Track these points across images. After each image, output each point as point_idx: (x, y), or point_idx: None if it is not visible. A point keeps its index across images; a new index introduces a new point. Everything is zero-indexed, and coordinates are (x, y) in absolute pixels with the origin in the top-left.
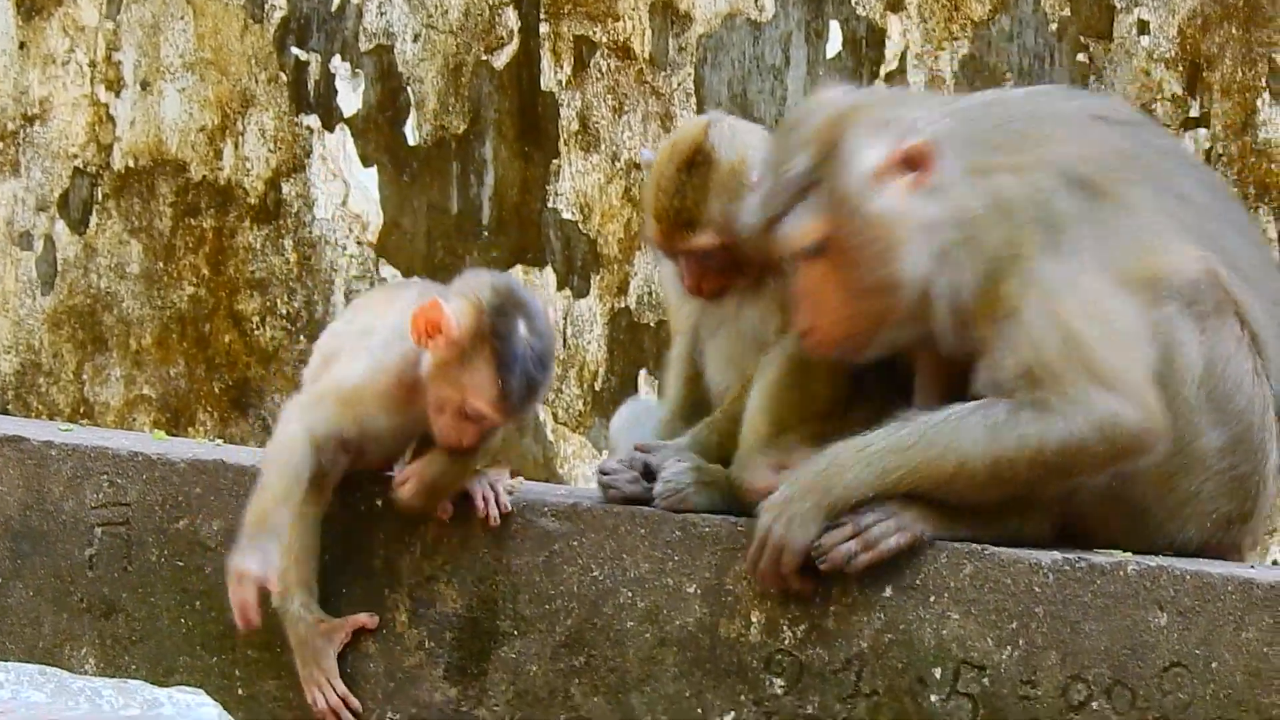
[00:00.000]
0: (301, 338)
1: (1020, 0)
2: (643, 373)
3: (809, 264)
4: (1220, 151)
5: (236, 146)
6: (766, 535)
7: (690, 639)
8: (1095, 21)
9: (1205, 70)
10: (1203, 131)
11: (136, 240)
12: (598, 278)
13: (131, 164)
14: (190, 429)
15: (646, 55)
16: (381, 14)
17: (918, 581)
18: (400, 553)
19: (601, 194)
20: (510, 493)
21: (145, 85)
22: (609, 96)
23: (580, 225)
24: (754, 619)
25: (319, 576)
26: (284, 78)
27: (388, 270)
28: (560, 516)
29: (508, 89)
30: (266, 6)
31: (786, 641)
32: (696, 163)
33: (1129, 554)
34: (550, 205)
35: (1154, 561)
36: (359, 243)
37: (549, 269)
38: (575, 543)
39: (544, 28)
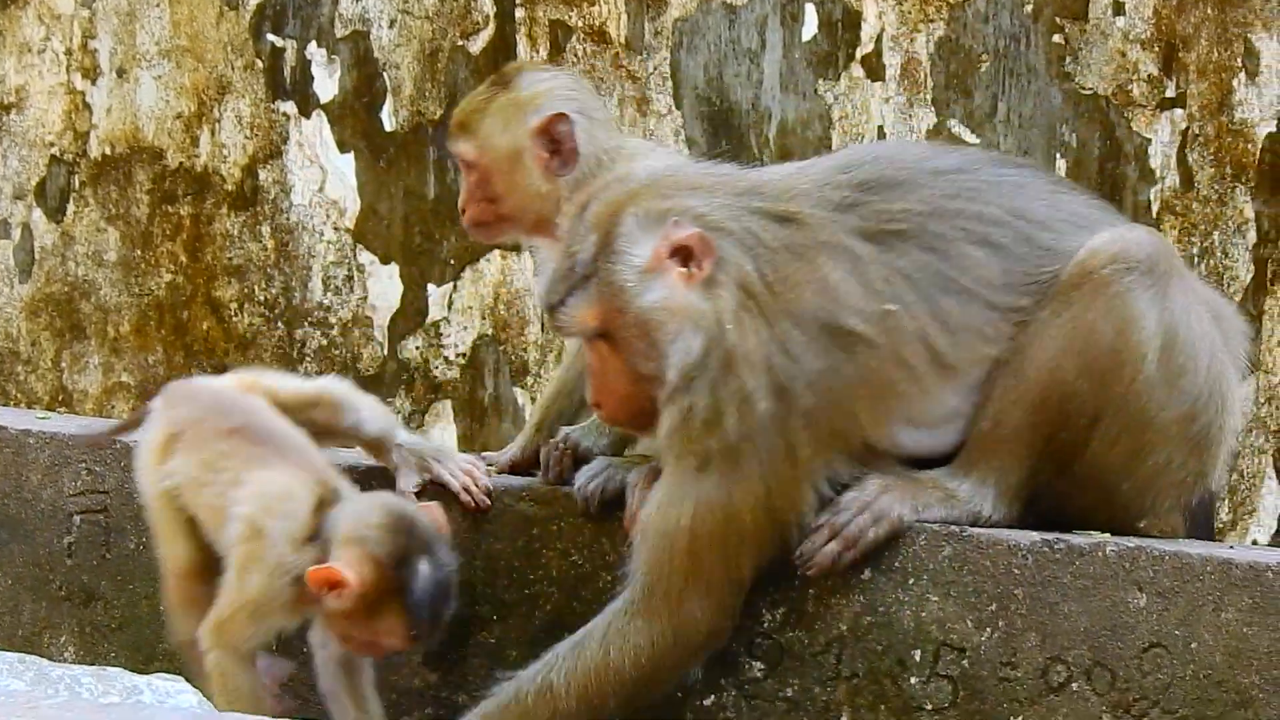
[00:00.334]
0: (279, 324)
1: None
2: None
3: (592, 344)
4: (1196, 132)
5: (213, 133)
6: None
7: None
8: (1070, 2)
9: (1181, 51)
10: (1179, 112)
11: (114, 228)
12: None
13: (108, 151)
14: None
15: (622, 39)
16: (357, 0)
17: (897, 564)
18: None
19: None
20: (486, 474)
21: (121, 73)
22: (585, 81)
23: None
24: None
25: None
26: (260, 64)
27: (365, 256)
28: (539, 501)
29: (484, 74)
30: None
31: (766, 625)
32: (495, 81)
33: (1107, 535)
34: None
35: (1132, 542)
36: (336, 229)
37: (526, 253)
38: (554, 527)
39: (519, 12)
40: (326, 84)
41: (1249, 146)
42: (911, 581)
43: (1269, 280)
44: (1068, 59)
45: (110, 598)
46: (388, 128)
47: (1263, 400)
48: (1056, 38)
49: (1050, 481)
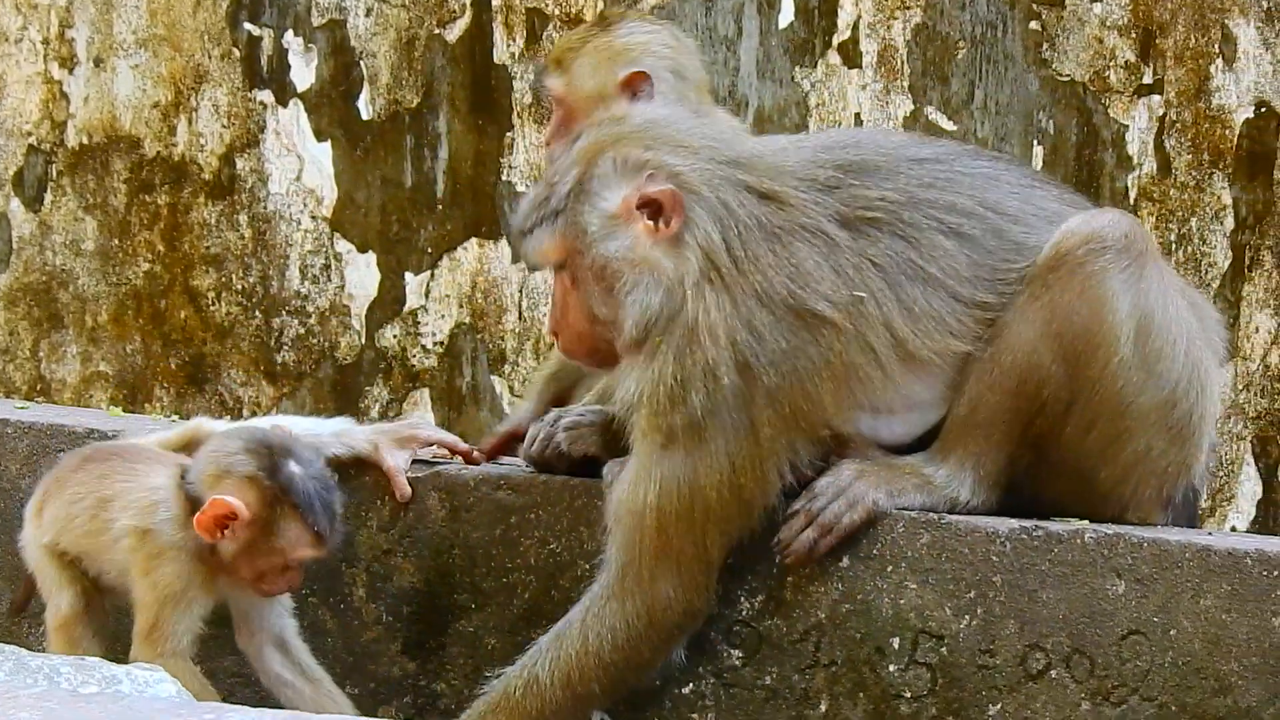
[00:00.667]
0: (257, 313)
1: None
2: None
3: (557, 275)
4: (1174, 118)
5: (190, 122)
6: None
7: None
8: None
9: (1158, 37)
10: (1156, 98)
11: (91, 217)
12: None
13: (86, 141)
14: (147, 405)
15: None
16: None
17: (875, 552)
18: (357, 527)
19: None
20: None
21: (99, 62)
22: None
23: None
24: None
25: None
26: (237, 53)
27: (342, 244)
28: (517, 489)
29: (460, 62)
30: None
31: (744, 613)
32: (599, 22)
33: (1086, 522)
34: (504, 178)
35: (1111, 529)
36: (314, 217)
37: (504, 242)
38: (532, 516)
39: (495, 1)
40: (303, 73)
41: (1226, 132)
42: (890, 569)
43: (1246, 266)
44: (1045, 46)
45: None
46: (365, 116)
47: (1240, 387)
48: (1034, 24)
49: (1029, 468)
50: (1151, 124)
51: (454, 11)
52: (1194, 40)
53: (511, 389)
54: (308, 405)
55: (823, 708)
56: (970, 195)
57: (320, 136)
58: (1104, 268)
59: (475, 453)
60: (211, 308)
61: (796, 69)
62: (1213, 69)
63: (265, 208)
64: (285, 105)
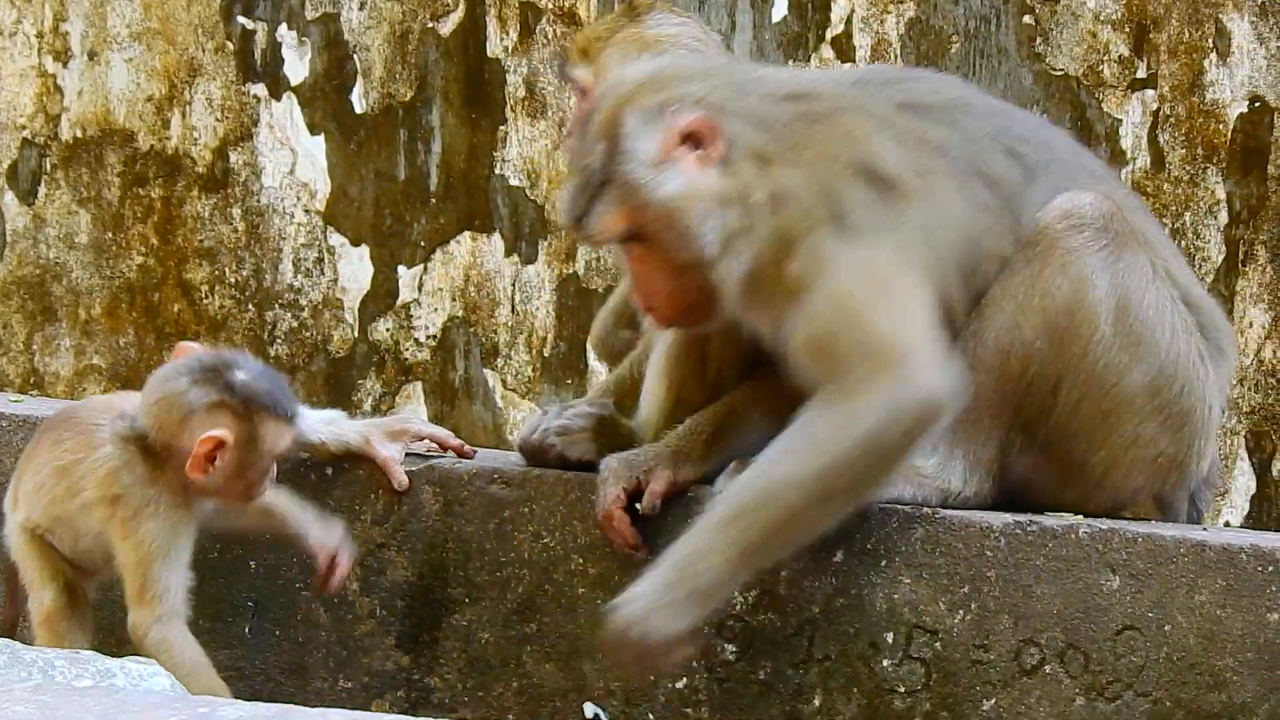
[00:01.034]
0: (250, 306)
1: None
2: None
3: (626, 248)
4: (1168, 113)
5: (184, 116)
6: (626, 633)
7: None
8: None
9: (1152, 31)
10: (1150, 93)
11: (85, 210)
12: (545, 244)
13: (79, 134)
14: None
15: (592, 21)
16: None
17: (869, 546)
18: (350, 521)
19: (549, 160)
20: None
21: (92, 55)
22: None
23: (528, 191)
24: None
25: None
26: (230, 47)
27: (336, 238)
28: (510, 483)
29: (454, 56)
30: None
31: (738, 607)
32: (624, 11)
33: (1080, 517)
34: (498, 172)
35: (1106, 524)
36: (307, 211)
37: (496, 235)
38: (526, 509)
39: None
40: (297, 66)
41: (1220, 127)
42: (884, 564)
43: (1240, 261)
44: (1038, 40)
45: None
46: (358, 110)
47: (1235, 381)
48: (1027, 19)
49: (1020, 455)
50: (1145, 118)
51: (447, 5)
52: (1188, 34)
53: (504, 383)
54: (301, 398)
55: (816, 702)
56: (1026, 125)
57: (314, 130)
58: (1083, 245)
59: (466, 447)
60: (205, 301)
61: (790, 63)
62: (1207, 63)
63: (258, 201)
64: (279, 99)
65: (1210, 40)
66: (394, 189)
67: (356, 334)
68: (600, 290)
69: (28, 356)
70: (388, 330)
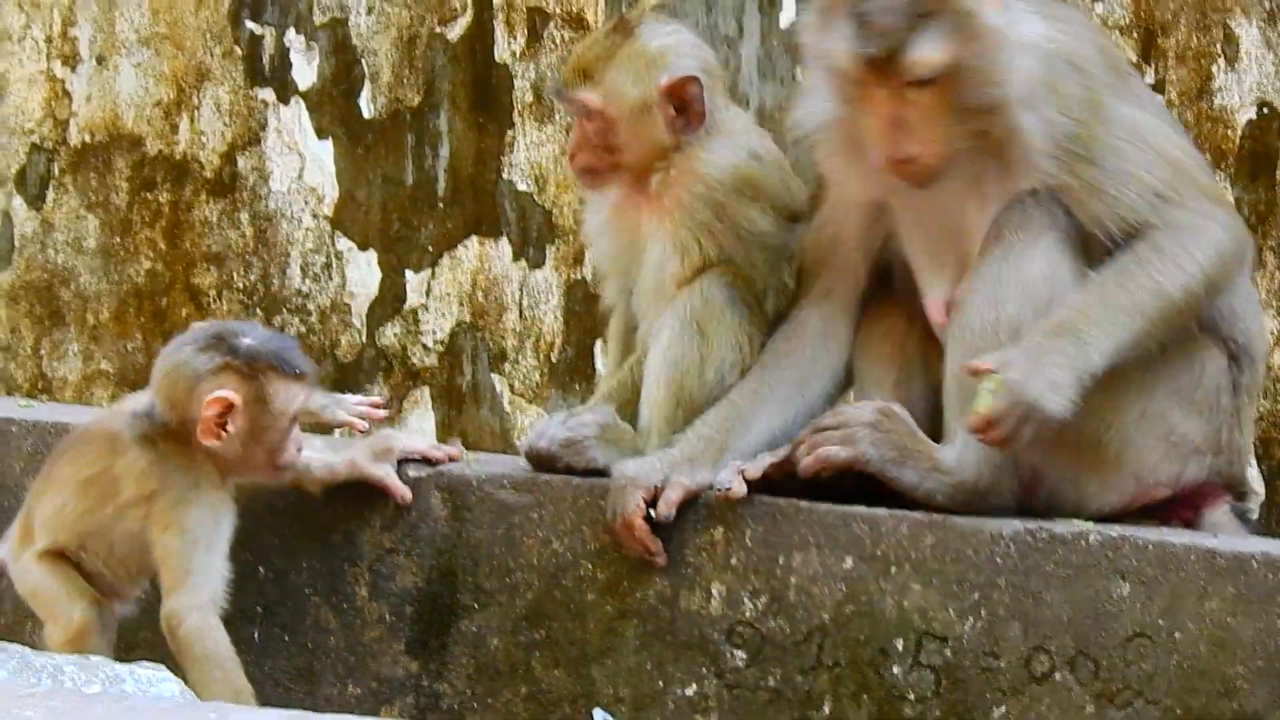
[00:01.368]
0: (258, 311)
1: None
2: (599, 344)
3: (917, 91)
4: (1176, 118)
5: (192, 121)
6: (1012, 406)
7: (651, 611)
8: None
9: (1160, 37)
10: (1158, 98)
11: (93, 215)
12: (553, 249)
13: (88, 139)
14: None
15: (600, 26)
16: None
17: (879, 552)
18: (360, 527)
19: (556, 165)
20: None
21: (101, 60)
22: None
23: (535, 196)
24: (715, 591)
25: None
26: (239, 51)
27: (343, 242)
28: (519, 489)
29: (462, 61)
30: None
31: (748, 613)
32: (618, 29)
33: (1090, 524)
34: (505, 177)
35: (1116, 531)
36: (315, 215)
37: (504, 240)
38: (535, 515)
39: None
40: (305, 71)
41: (1229, 133)
42: (894, 570)
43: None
44: None
45: None
46: (366, 115)
47: None
48: None
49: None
50: None
51: (455, 10)
52: (1196, 40)
53: (511, 387)
54: None
55: (826, 709)
56: None
57: (321, 135)
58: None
59: (452, 451)
60: (213, 306)
61: (798, 68)
62: (1215, 69)
63: (266, 206)
64: (287, 103)
65: (1218, 46)
66: (402, 194)
67: (364, 339)
68: None
69: (36, 361)
70: (395, 335)
